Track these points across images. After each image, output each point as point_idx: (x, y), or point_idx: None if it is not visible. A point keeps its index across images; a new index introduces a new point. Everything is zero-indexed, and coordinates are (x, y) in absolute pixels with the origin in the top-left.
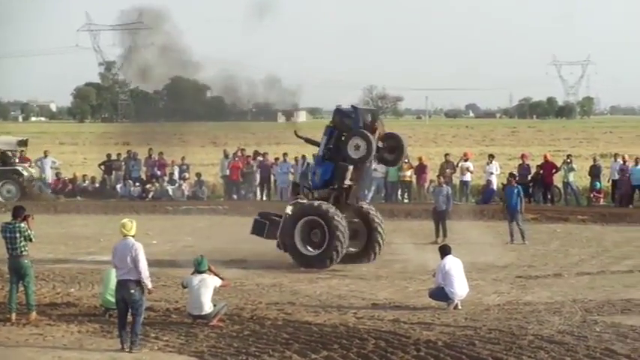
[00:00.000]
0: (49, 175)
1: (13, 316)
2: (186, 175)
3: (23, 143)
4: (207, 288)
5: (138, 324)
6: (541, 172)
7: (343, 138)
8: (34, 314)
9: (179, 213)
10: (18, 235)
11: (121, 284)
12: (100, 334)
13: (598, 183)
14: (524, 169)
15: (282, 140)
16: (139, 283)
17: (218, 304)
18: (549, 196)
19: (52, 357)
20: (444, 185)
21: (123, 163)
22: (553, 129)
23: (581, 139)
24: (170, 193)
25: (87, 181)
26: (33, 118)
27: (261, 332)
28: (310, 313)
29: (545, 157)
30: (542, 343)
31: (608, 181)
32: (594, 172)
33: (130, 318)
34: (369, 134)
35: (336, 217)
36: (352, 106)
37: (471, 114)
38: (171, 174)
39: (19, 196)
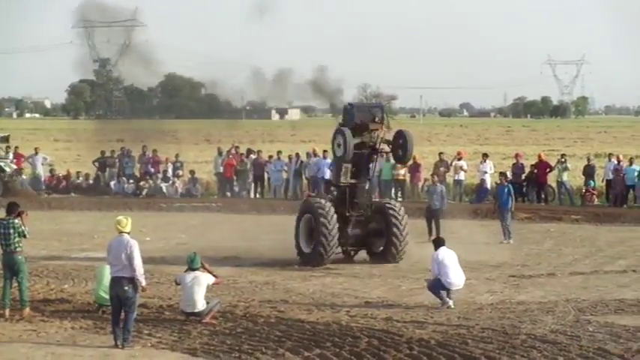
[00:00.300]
0: (42, 172)
1: (7, 312)
2: (180, 172)
3: (4, 139)
4: (200, 285)
5: (130, 321)
6: (535, 171)
7: None
8: (27, 310)
9: (173, 210)
10: (12, 231)
11: (115, 281)
12: (94, 330)
13: (592, 182)
14: (518, 168)
15: (276, 138)
16: (132, 280)
17: (211, 301)
18: (543, 196)
19: (45, 353)
20: (438, 184)
21: (117, 160)
22: (547, 128)
23: (575, 138)
24: (164, 190)
25: (81, 178)
26: (27, 115)
27: (254, 330)
28: (303, 311)
29: (539, 156)
30: (535, 343)
31: (603, 181)
32: (588, 172)
33: (123, 315)
34: (346, 132)
35: (321, 212)
36: (349, 103)
37: (465, 113)
38: (165, 171)
39: (1, 192)
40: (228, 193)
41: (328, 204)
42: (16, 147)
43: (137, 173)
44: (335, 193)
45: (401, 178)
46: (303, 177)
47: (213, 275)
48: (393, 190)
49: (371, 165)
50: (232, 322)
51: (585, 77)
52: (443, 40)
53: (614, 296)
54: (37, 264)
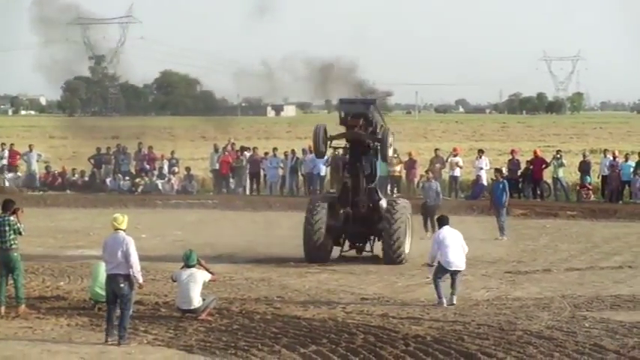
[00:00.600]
0: (36, 169)
1: (3, 309)
2: (176, 169)
3: None
4: (197, 282)
5: (126, 318)
6: (531, 167)
7: None
8: (23, 307)
9: (168, 207)
10: (7, 228)
11: (111, 278)
12: (89, 327)
13: (588, 177)
14: (513, 164)
15: (272, 135)
16: (128, 277)
17: (207, 298)
18: (539, 192)
19: (41, 350)
20: (433, 180)
21: (112, 157)
22: (543, 124)
23: (571, 134)
24: (159, 187)
25: (76, 175)
26: (23, 112)
27: (250, 326)
28: (299, 308)
29: (534, 152)
30: (531, 339)
31: (598, 177)
32: (584, 168)
33: (118, 312)
34: (317, 128)
35: (308, 208)
36: (340, 99)
37: (461, 109)
38: (161, 168)
39: None
40: (224, 190)
41: (319, 200)
42: (12, 144)
43: (133, 170)
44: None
45: (397, 174)
46: (299, 174)
47: (210, 272)
48: (388, 187)
49: (364, 161)
50: (228, 319)
51: (581, 73)
52: (439, 36)
53: (610, 292)
54: (32, 261)
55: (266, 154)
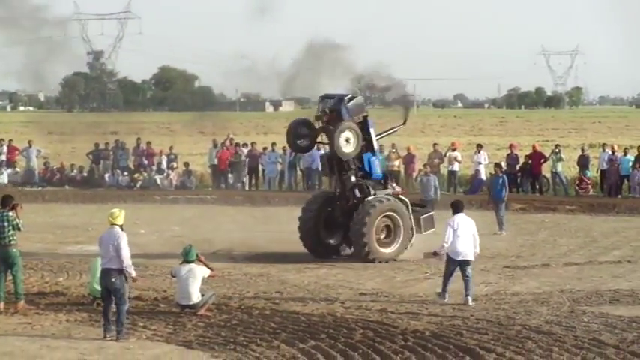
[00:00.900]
0: (35, 165)
1: (2, 305)
2: (174, 164)
3: None
4: (196, 278)
5: (122, 313)
6: (529, 162)
7: None
8: (22, 303)
9: (167, 202)
10: (6, 224)
11: (104, 272)
12: (89, 322)
13: (587, 172)
14: (512, 159)
15: (270, 130)
16: (121, 271)
17: (206, 293)
18: (537, 187)
19: (40, 345)
20: (431, 175)
21: (111, 153)
22: (541, 119)
23: (569, 129)
24: (158, 182)
25: (75, 171)
26: (21, 108)
27: (248, 322)
28: (298, 303)
29: (533, 147)
30: (530, 333)
31: (597, 172)
32: (582, 163)
33: (115, 307)
34: (290, 124)
35: (307, 200)
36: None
37: (459, 104)
38: (159, 163)
39: None
40: (223, 185)
41: (314, 196)
42: (10, 140)
43: (131, 166)
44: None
45: (395, 169)
46: (298, 169)
47: (209, 268)
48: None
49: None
50: (227, 314)
51: (579, 68)
52: (436, 31)
53: (608, 286)
54: (31, 257)
55: (264, 149)
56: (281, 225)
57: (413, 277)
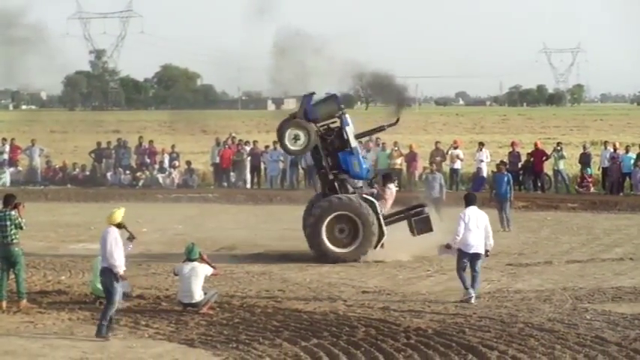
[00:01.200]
0: (38, 164)
1: (4, 303)
2: (177, 163)
3: None
4: (198, 276)
5: (107, 310)
6: (531, 159)
7: None
8: (24, 302)
9: (169, 201)
10: (9, 223)
11: (101, 272)
12: (91, 321)
13: (589, 169)
14: (514, 156)
15: (272, 128)
16: (111, 270)
17: (208, 292)
18: (539, 184)
19: (42, 344)
20: (437, 173)
21: (113, 151)
22: (543, 117)
23: (571, 126)
24: (160, 181)
25: (77, 169)
26: (23, 107)
27: (251, 320)
28: (300, 301)
29: (535, 144)
30: (533, 331)
31: (599, 169)
32: (584, 160)
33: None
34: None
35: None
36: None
37: (461, 102)
38: (162, 162)
39: None
40: (225, 184)
41: (317, 195)
42: (13, 139)
43: (133, 164)
44: None
45: (397, 167)
46: (300, 167)
47: (211, 266)
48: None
49: (322, 155)
50: (229, 313)
51: (581, 65)
52: (438, 29)
53: (611, 284)
54: (34, 256)
55: (266, 147)
56: (283, 223)
57: (415, 275)
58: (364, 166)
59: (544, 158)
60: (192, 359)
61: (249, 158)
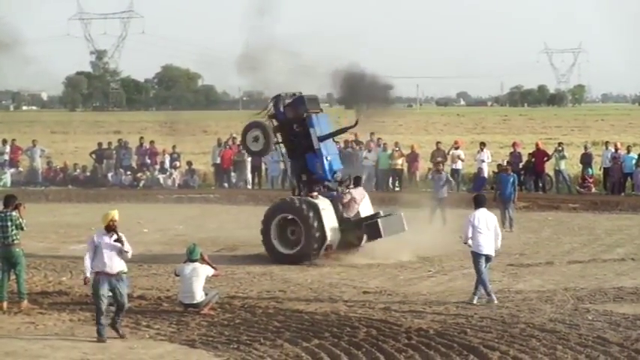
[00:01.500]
0: (39, 164)
1: (5, 304)
2: (177, 163)
3: None
4: (199, 277)
5: (115, 313)
6: (532, 160)
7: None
8: (25, 303)
9: (170, 201)
10: (9, 223)
11: None
12: (92, 322)
13: (590, 169)
14: (515, 157)
15: None
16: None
17: (209, 292)
18: (541, 184)
19: (43, 345)
20: (443, 172)
21: (114, 152)
22: (544, 117)
23: (572, 127)
24: (161, 181)
25: (78, 170)
26: (24, 107)
27: (252, 321)
28: (301, 302)
29: (536, 145)
30: (534, 332)
31: (600, 169)
32: (585, 160)
33: (112, 309)
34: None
35: None
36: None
37: (462, 102)
38: (162, 162)
39: None
40: (226, 184)
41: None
42: (13, 139)
43: (134, 165)
44: None
45: (398, 167)
46: None
47: (212, 267)
48: (390, 180)
49: (285, 157)
50: (230, 313)
51: (582, 65)
52: (439, 29)
53: (612, 284)
54: (34, 256)
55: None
56: None
57: (416, 276)
58: (326, 167)
59: (545, 158)
60: None
61: (250, 159)
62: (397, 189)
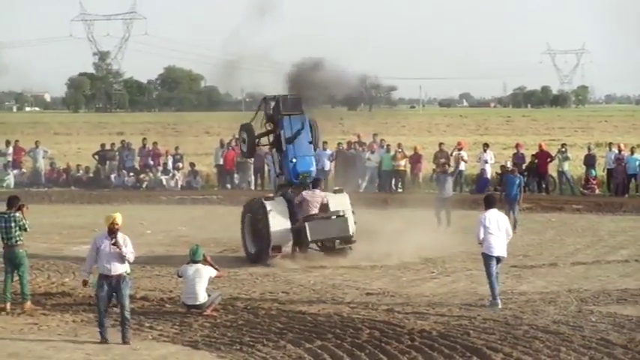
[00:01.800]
0: (42, 166)
1: (8, 305)
2: (180, 164)
3: None
4: (202, 278)
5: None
6: (536, 161)
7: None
8: (28, 304)
9: (173, 203)
10: (13, 224)
11: None
12: (95, 323)
13: (593, 171)
14: (518, 158)
15: None
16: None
17: (212, 293)
18: (544, 186)
19: (46, 346)
20: (448, 173)
21: (117, 153)
22: (547, 118)
23: (576, 128)
24: (164, 182)
25: (81, 171)
26: (27, 109)
27: (255, 322)
28: (304, 303)
29: (539, 146)
30: (538, 333)
31: (604, 171)
32: (589, 161)
33: (116, 310)
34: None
35: None
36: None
37: (465, 103)
38: (165, 164)
39: None
40: (229, 185)
41: None
42: (17, 141)
43: (137, 166)
44: None
45: (401, 168)
46: None
47: (215, 268)
48: (393, 181)
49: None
50: (233, 315)
51: (585, 66)
52: (442, 30)
53: (616, 286)
54: (38, 258)
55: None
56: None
57: (419, 277)
58: (290, 168)
59: (548, 160)
60: None
61: (252, 160)
62: (400, 190)
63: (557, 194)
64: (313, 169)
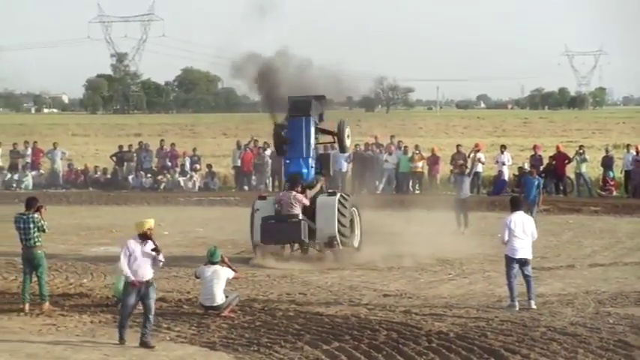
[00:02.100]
0: (60, 167)
1: (27, 306)
2: (198, 166)
3: None
4: (220, 279)
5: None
6: (553, 163)
7: None
8: (47, 304)
9: (190, 204)
10: (31, 225)
11: None
12: (113, 324)
13: (611, 172)
14: (536, 160)
15: None
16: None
17: (230, 295)
18: (562, 187)
19: (64, 347)
20: (466, 174)
21: (134, 155)
22: (565, 120)
23: (593, 129)
24: (181, 184)
25: (99, 172)
26: (45, 110)
27: (272, 323)
28: (321, 304)
29: (557, 147)
30: (555, 335)
31: (621, 172)
32: (607, 163)
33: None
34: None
35: None
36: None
37: (482, 105)
38: (183, 165)
39: None
40: (246, 187)
41: None
42: (35, 142)
43: (155, 167)
44: None
45: (419, 170)
46: None
47: (233, 269)
48: (410, 183)
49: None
50: (251, 316)
51: (603, 68)
52: (460, 31)
53: (634, 288)
54: (56, 259)
55: None
56: None
57: (437, 279)
58: (283, 169)
59: (566, 161)
60: None
61: (270, 161)
62: (417, 192)
63: (574, 196)
64: (305, 170)
